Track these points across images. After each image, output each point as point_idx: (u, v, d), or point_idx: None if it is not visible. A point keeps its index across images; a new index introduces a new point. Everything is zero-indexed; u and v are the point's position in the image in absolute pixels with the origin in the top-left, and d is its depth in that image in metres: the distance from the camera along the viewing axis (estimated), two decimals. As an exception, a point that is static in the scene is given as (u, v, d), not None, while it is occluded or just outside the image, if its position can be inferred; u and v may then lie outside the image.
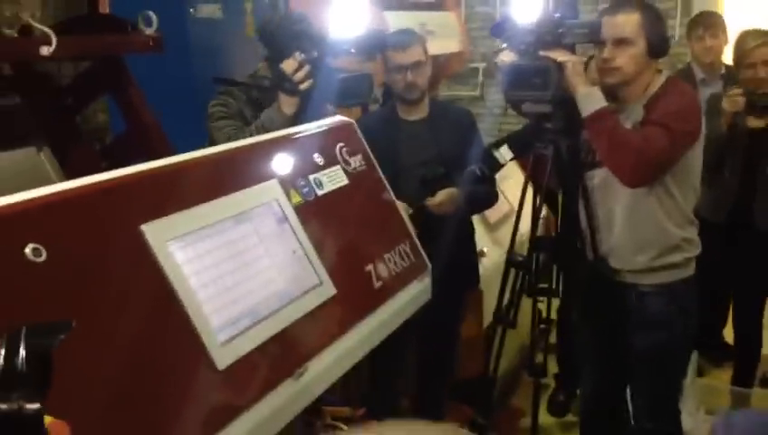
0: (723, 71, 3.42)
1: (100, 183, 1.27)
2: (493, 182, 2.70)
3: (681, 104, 2.15)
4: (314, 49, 2.15)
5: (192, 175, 1.46)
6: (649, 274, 2.24)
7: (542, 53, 2.12)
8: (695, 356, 2.66)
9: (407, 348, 2.71)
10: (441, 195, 2.44)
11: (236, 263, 1.43)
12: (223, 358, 1.29)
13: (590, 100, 2.09)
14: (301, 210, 1.65)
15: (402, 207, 2.27)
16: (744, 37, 2.93)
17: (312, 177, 1.75)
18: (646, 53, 2.13)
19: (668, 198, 2.19)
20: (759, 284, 3.08)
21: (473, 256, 2.82)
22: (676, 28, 6.08)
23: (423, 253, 2.02)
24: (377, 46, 2.23)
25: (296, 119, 2.20)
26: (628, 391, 2.43)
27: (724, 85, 3.26)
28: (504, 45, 2.26)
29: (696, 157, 2.19)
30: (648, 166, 2.08)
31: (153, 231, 1.28)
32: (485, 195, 2.66)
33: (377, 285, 1.81)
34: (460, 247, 2.63)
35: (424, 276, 2.00)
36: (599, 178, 2.26)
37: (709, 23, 3.50)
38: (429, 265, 2.02)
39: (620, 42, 2.12)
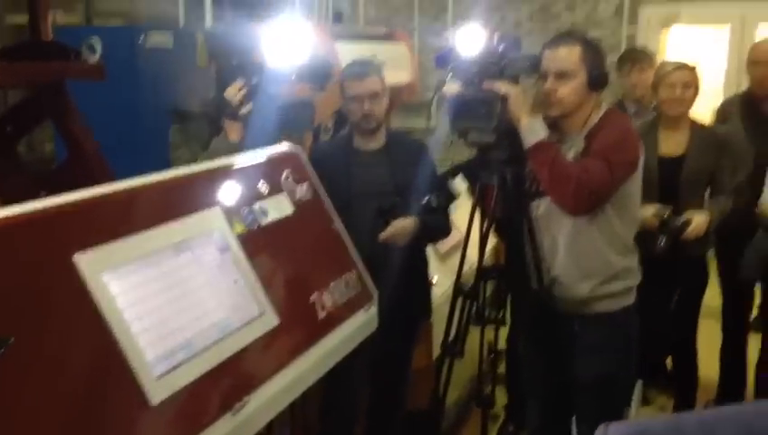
0: (654, 104, 3.53)
1: (30, 212, 1.23)
2: (447, 213, 2.71)
3: (619, 136, 2.20)
4: (254, 75, 2.15)
5: (130, 203, 1.43)
6: (592, 302, 2.27)
7: (485, 84, 2.16)
8: (639, 385, 2.68)
9: (358, 379, 2.67)
10: (396, 225, 2.44)
11: (174, 293, 1.40)
12: (157, 393, 1.25)
13: (532, 131, 2.14)
14: (244, 239, 1.63)
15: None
16: (663, 65, 3.07)
17: (256, 205, 1.74)
18: (586, 86, 2.19)
19: (609, 226, 2.23)
20: (690, 309, 3.15)
21: (426, 285, 2.82)
22: (621, 62, 6.29)
23: (369, 282, 2.02)
24: (322, 75, 2.23)
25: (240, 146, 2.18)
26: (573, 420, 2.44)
27: (655, 117, 3.36)
28: (450, 77, 2.29)
29: (635, 186, 2.25)
30: (587, 195, 2.13)
31: (86, 261, 1.25)
32: (441, 226, 2.66)
33: (321, 314, 1.79)
34: (414, 277, 2.63)
35: (370, 306, 1.99)
36: (543, 207, 2.29)
37: (637, 58, 3.61)
38: (376, 294, 2.02)
39: (562, 75, 2.16)
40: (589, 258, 2.23)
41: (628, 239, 2.28)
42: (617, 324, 2.28)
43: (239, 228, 1.64)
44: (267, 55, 2.15)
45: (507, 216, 2.33)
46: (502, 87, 2.14)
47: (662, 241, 2.79)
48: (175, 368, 1.30)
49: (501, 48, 2.19)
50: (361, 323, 1.93)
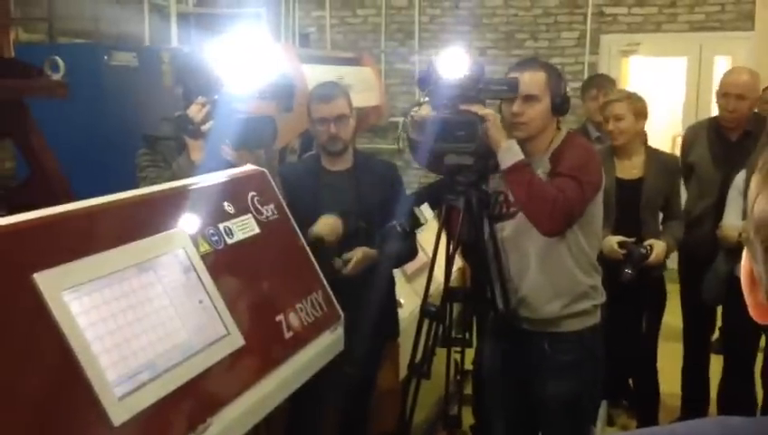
0: None
1: (-11, 230, 1.20)
2: (413, 238, 2.73)
3: (585, 157, 2.27)
4: (214, 92, 2.14)
5: (92, 222, 1.41)
6: (561, 321, 2.30)
7: (462, 106, 2.19)
8: (604, 404, 2.72)
9: (324, 400, 2.65)
10: (356, 261, 2.47)
11: (137, 314, 1.37)
12: (119, 414, 1.23)
13: (511, 152, 2.18)
14: (209, 259, 1.61)
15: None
16: (606, 96, 3.17)
17: (221, 225, 1.72)
18: (550, 110, 2.24)
19: (577, 245, 2.27)
20: (649, 326, 3.21)
21: (393, 306, 2.82)
22: (583, 89, 6.44)
23: (335, 303, 2.01)
24: (286, 95, 2.23)
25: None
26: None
27: None
28: (426, 99, 2.31)
29: (597, 206, 2.30)
30: (563, 215, 2.18)
31: (46, 280, 1.22)
32: (406, 251, 2.68)
33: (287, 335, 1.77)
34: (381, 297, 2.63)
35: (336, 326, 1.98)
36: (509, 229, 2.32)
37: (600, 83, 3.70)
38: (342, 315, 2.01)
39: (529, 98, 2.21)
40: (559, 277, 2.28)
41: (593, 258, 2.33)
42: (585, 343, 2.32)
43: (204, 248, 1.62)
44: (231, 74, 2.15)
45: (473, 238, 2.35)
46: (479, 109, 2.18)
47: (628, 271, 2.85)
48: (137, 389, 1.28)
49: (477, 71, 2.22)
50: (328, 344, 1.92)
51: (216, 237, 1.68)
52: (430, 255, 2.51)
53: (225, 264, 1.66)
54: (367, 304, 2.46)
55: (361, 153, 2.79)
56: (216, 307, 1.55)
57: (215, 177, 1.89)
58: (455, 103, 2.20)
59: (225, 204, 1.78)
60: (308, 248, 2.07)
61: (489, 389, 2.53)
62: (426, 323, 2.41)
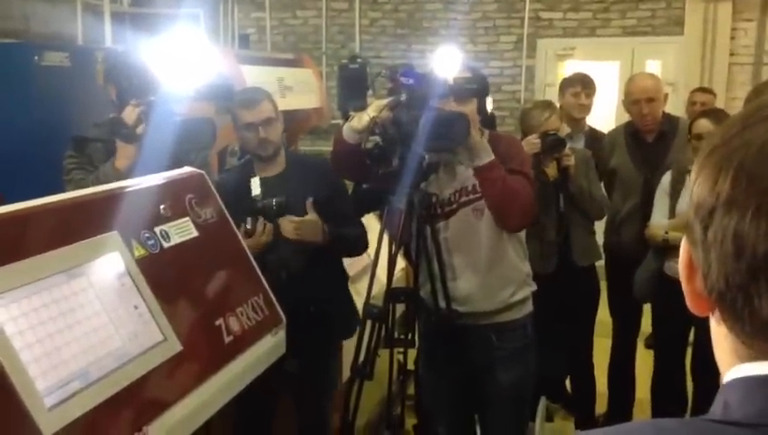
0: (586, 129, 3.68)
1: None
2: (361, 225, 2.67)
3: (523, 152, 2.41)
4: (150, 93, 2.09)
5: (21, 227, 1.36)
6: (507, 311, 2.37)
7: (441, 104, 2.21)
8: (543, 401, 2.77)
9: (274, 402, 2.61)
10: (304, 218, 2.40)
11: (68, 321, 1.33)
12: (50, 424, 1.19)
13: (486, 150, 2.23)
14: (144, 263, 1.57)
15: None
16: (530, 110, 3.21)
17: (157, 229, 1.69)
18: (477, 111, 2.33)
19: (515, 235, 2.37)
20: (583, 321, 3.31)
21: (348, 301, 2.77)
22: (521, 92, 6.57)
23: (277, 306, 1.99)
24: (223, 96, 2.19)
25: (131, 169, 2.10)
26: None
27: (586, 142, 3.52)
28: (402, 98, 2.27)
29: None
30: (529, 212, 2.28)
31: (-30, 287, 1.17)
32: (355, 235, 2.61)
33: (227, 339, 1.75)
34: (334, 294, 2.61)
35: (278, 330, 1.96)
36: (453, 228, 2.35)
37: (586, 82, 3.72)
38: (284, 318, 1.99)
39: (461, 100, 2.27)
40: (505, 268, 2.36)
41: (525, 246, 2.44)
42: (528, 330, 2.42)
43: (140, 252, 1.58)
44: (167, 75, 2.10)
45: (415, 238, 2.37)
46: (454, 107, 2.21)
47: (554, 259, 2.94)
48: (69, 398, 1.24)
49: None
50: (269, 347, 1.90)
51: (153, 241, 1.64)
52: (372, 256, 2.51)
53: (161, 268, 1.63)
54: (314, 294, 2.43)
55: (294, 155, 2.76)
56: (152, 313, 1.51)
57: (150, 179, 1.85)
58: (444, 101, 2.22)
59: (162, 207, 1.74)
60: (248, 252, 2.04)
61: (430, 389, 2.55)
62: (368, 323, 2.41)
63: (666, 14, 6.21)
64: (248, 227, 2.33)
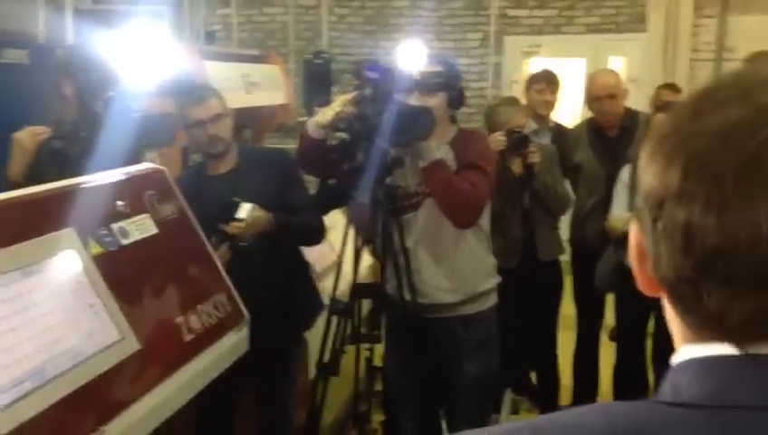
0: (552, 125, 3.71)
1: None
2: (318, 215, 2.64)
3: (486, 147, 2.42)
4: (109, 89, 2.06)
5: (-30, 224, 1.33)
6: (473, 302, 2.39)
7: (407, 98, 2.21)
8: (508, 393, 2.79)
9: (236, 399, 2.58)
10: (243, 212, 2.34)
11: (22, 319, 1.30)
12: (3, 423, 1.16)
13: (437, 148, 2.24)
14: (101, 261, 1.55)
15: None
16: (496, 107, 3.25)
17: (115, 225, 1.66)
18: (446, 104, 2.33)
19: (478, 227, 2.38)
20: (547, 315, 3.34)
21: (310, 295, 2.74)
22: (488, 89, 6.60)
23: (240, 303, 1.97)
24: (184, 91, 2.17)
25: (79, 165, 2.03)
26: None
27: (552, 138, 3.55)
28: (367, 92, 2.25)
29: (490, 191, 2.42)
30: (476, 209, 2.28)
31: None
32: (307, 222, 2.55)
33: (188, 338, 1.73)
34: (294, 288, 2.58)
35: (241, 327, 1.95)
36: (419, 222, 2.36)
37: (551, 79, 3.74)
38: (247, 315, 1.97)
39: (427, 94, 2.27)
40: (471, 260, 2.39)
41: (490, 239, 2.46)
42: (493, 321, 2.45)
43: (96, 250, 1.55)
44: (127, 70, 2.07)
45: (381, 233, 2.37)
46: (426, 101, 2.21)
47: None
48: (22, 397, 1.21)
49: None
50: (231, 344, 1.88)
51: (110, 238, 1.62)
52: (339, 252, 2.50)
53: (119, 265, 1.60)
54: (269, 282, 2.37)
55: (247, 149, 2.72)
56: (108, 311, 1.49)
57: (109, 175, 1.82)
58: (410, 95, 2.22)
59: (119, 203, 1.71)
60: (210, 248, 2.02)
61: (397, 384, 2.55)
62: (334, 320, 2.40)
63: (629, 11, 6.29)
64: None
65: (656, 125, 0.62)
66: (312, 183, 2.99)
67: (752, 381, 0.54)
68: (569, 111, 6.42)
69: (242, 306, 1.98)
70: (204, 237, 2.01)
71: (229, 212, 2.30)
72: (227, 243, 2.29)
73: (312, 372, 2.61)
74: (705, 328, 0.57)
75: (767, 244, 0.51)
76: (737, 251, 0.52)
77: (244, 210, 2.30)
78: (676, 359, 0.59)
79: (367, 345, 2.63)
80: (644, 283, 0.61)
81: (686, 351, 0.58)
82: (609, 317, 3.51)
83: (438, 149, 2.25)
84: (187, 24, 6.76)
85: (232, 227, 2.29)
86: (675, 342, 0.61)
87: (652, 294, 0.61)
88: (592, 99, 3.38)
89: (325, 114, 2.28)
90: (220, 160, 2.51)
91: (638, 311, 3.01)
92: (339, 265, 2.48)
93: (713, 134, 0.53)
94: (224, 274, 1.99)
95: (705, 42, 6.06)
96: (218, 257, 2.13)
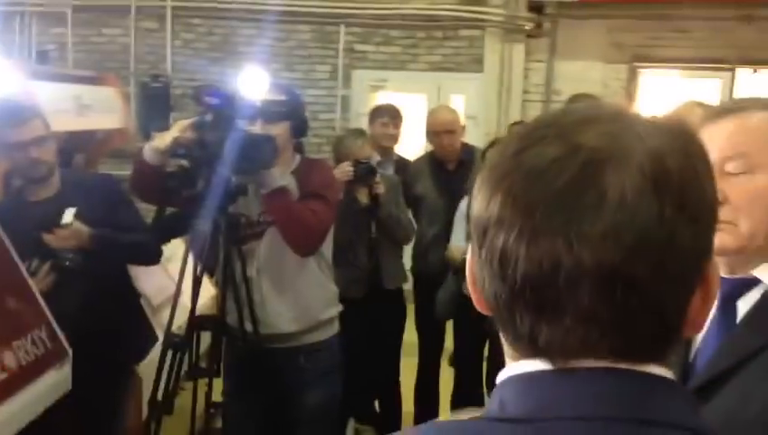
0: (395, 156, 3.81)
1: None
2: (149, 235, 2.53)
3: (330, 177, 2.47)
4: None
5: None
6: (315, 332, 2.39)
7: (249, 125, 2.17)
8: (351, 422, 2.80)
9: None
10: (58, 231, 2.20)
11: None
12: None
13: (281, 176, 2.23)
14: None
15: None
16: (343, 138, 3.39)
17: None
18: (289, 133, 2.34)
19: (322, 257, 2.40)
20: (390, 343, 3.40)
21: (140, 326, 2.59)
22: (337, 120, 6.70)
23: (62, 337, 1.83)
24: (8, 112, 2.00)
25: None
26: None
27: (395, 169, 3.63)
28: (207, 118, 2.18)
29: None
30: (318, 236, 2.30)
31: None
32: (135, 240, 2.43)
33: (2, 376, 1.58)
34: (120, 317, 2.43)
35: (63, 364, 1.81)
36: (263, 251, 2.33)
37: (393, 113, 3.83)
38: (69, 351, 1.84)
39: (270, 122, 2.27)
40: (314, 288, 2.39)
41: (332, 267, 2.48)
42: (335, 350, 2.46)
43: None
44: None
45: (222, 263, 2.31)
46: (269, 129, 2.19)
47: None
48: None
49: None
50: (52, 382, 1.75)
51: None
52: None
53: None
54: (93, 311, 2.21)
55: (70, 174, 2.57)
56: None
57: None
58: (253, 123, 2.18)
59: None
60: (29, 280, 1.87)
61: (237, 420, 2.47)
62: (169, 354, 2.29)
63: (468, 52, 6.65)
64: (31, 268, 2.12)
65: (488, 159, 0.67)
66: (148, 211, 2.87)
67: (570, 394, 0.57)
68: (411, 144, 6.67)
69: (64, 342, 1.84)
70: (22, 267, 1.85)
71: (52, 220, 2.15)
72: (50, 262, 2.13)
73: (146, 412, 2.47)
74: (522, 347, 0.60)
75: (565, 273, 0.55)
76: (542, 279, 0.56)
77: (69, 214, 2.17)
78: (500, 376, 0.62)
79: (206, 380, 2.54)
80: (477, 301, 0.65)
81: (510, 368, 0.62)
82: (449, 342, 3.63)
83: (282, 177, 2.25)
84: (18, 43, 6.31)
85: (57, 234, 2.14)
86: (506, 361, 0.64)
87: (484, 311, 0.64)
88: (432, 133, 3.54)
89: (163, 139, 2.19)
90: (40, 186, 2.34)
91: (475, 337, 3.14)
92: (176, 296, 2.38)
93: (529, 169, 0.58)
94: (44, 305, 1.84)
95: (534, 84, 6.54)
96: (39, 282, 1.97)
